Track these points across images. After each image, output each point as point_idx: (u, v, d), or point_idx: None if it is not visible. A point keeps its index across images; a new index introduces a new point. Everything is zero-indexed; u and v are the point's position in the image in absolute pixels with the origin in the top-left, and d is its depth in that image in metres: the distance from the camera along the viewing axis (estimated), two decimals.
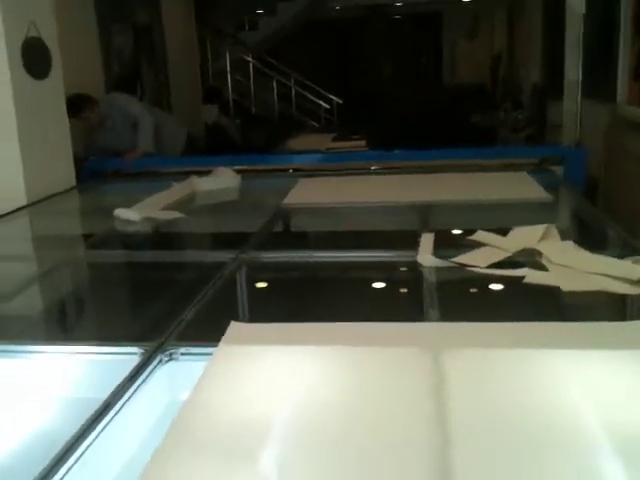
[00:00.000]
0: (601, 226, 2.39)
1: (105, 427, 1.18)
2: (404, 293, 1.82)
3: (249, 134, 6.13)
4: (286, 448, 1.05)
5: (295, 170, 3.90)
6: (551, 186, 3.06)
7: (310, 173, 3.69)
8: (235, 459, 1.03)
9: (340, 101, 7.88)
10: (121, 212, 2.80)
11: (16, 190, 3.21)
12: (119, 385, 1.30)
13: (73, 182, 3.65)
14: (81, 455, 1.10)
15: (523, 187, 3.08)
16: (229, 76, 7.34)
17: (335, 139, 5.53)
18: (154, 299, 1.89)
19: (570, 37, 6.32)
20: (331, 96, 7.86)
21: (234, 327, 1.54)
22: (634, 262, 1.83)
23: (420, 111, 8.05)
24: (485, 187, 3.16)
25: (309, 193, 3.21)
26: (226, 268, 2.02)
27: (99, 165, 4.18)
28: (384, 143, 4.99)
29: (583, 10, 6.22)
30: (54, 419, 1.39)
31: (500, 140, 6.99)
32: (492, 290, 1.81)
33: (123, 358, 1.44)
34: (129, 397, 1.28)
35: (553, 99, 6.79)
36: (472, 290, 1.85)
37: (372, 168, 3.89)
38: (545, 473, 0.97)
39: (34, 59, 3.35)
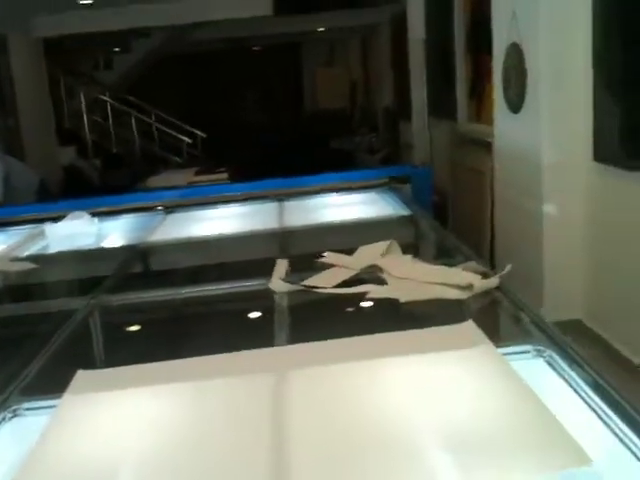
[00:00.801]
0: (440, 238, 2.57)
1: None
2: (256, 320, 1.87)
3: (108, 174, 6.01)
4: None
5: (156, 207, 3.87)
6: (398, 203, 3.27)
7: (172, 210, 3.68)
8: None
9: (204, 135, 7.91)
10: None
11: None
12: None
13: None
14: None
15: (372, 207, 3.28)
16: (85, 116, 7.17)
17: (197, 173, 5.54)
18: None
19: (414, 61, 6.75)
20: (194, 130, 7.87)
21: (80, 375, 1.53)
22: (464, 269, 1.99)
23: (282, 140, 8.24)
24: (339, 210, 3.33)
25: (168, 229, 3.22)
26: (77, 315, 1.99)
27: None
28: (247, 174, 5.07)
29: (423, 35, 6.67)
30: None
31: (359, 163, 7.28)
32: (338, 309, 1.91)
33: None
34: None
35: (404, 121, 7.19)
36: (319, 311, 1.93)
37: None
38: (371, 475, 1.04)
39: None
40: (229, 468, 1.10)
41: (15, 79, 5.90)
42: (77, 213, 3.49)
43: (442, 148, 5.83)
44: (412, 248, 2.41)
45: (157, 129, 7.74)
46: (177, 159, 7.34)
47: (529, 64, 3.80)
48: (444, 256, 2.26)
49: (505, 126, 4.22)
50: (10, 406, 1.43)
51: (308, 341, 1.60)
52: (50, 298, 2.35)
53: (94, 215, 3.52)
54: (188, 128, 7.76)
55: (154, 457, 1.15)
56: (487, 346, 1.44)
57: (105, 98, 7.61)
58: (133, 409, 1.34)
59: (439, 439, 1.12)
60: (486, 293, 1.85)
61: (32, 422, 1.40)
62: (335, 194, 3.73)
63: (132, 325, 2.01)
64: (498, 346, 1.48)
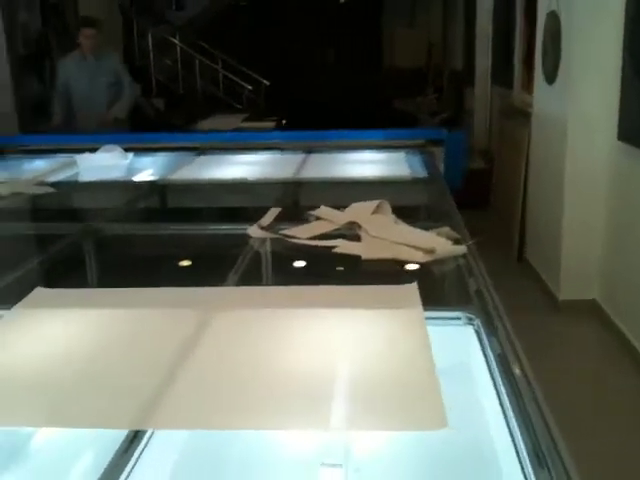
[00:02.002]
0: (438, 202, 2.53)
1: None
2: (220, 261, 1.92)
3: (166, 113, 6.15)
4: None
5: (190, 148, 3.96)
6: (420, 166, 3.23)
7: (202, 152, 3.76)
8: None
9: (267, 83, 7.93)
10: None
11: None
12: None
13: None
14: None
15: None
16: (152, 55, 7.32)
17: (246, 119, 5.61)
18: None
19: (480, 29, 6.55)
20: (258, 77, 7.90)
21: (37, 291, 1.63)
22: (437, 233, 1.97)
23: (346, 94, 8.16)
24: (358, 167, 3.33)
25: (190, 170, 3.30)
26: (68, 239, 2.10)
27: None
28: (294, 124, 5.10)
29: (491, 5, 6.43)
30: None
31: (420, 123, 7.17)
32: (301, 258, 1.94)
33: None
34: None
35: (468, 86, 7.00)
36: (283, 259, 1.97)
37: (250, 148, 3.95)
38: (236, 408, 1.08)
39: None
40: (118, 382, 1.16)
41: (81, 12, 6.05)
42: (110, 146, 3.62)
43: (497, 116, 5.67)
44: (406, 210, 2.39)
45: (221, 74, 7.82)
46: (236, 105, 7.42)
47: (564, 34, 3.65)
48: (431, 220, 2.23)
49: (541, 96, 4.08)
50: None
51: (258, 285, 1.65)
52: (49, 221, 2.47)
53: (129, 150, 3.65)
54: (252, 75, 7.81)
55: (55, 369, 1.23)
56: (415, 309, 1.44)
57: (174, 40, 7.73)
58: (64, 326, 1.43)
59: (320, 383, 1.14)
60: (453, 259, 1.84)
61: None
62: (364, 151, 3.71)
63: (110, 253, 2.10)
64: (432, 310, 1.48)
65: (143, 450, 1.02)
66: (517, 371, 1.20)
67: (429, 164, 3.30)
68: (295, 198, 2.74)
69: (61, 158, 3.57)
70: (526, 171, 4.17)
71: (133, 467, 0.97)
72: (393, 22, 11.62)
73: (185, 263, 1.97)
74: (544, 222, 4.00)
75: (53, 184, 2.99)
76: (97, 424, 1.04)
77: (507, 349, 1.29)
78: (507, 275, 4.17)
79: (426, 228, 2.04)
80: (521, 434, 1.01)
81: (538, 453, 0.95)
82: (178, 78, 7.73)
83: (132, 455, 0.99)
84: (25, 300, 1.58)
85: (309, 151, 3.71)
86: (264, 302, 1.52)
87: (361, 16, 11.61)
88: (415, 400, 1.09)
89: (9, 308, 1.53)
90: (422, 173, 3.08)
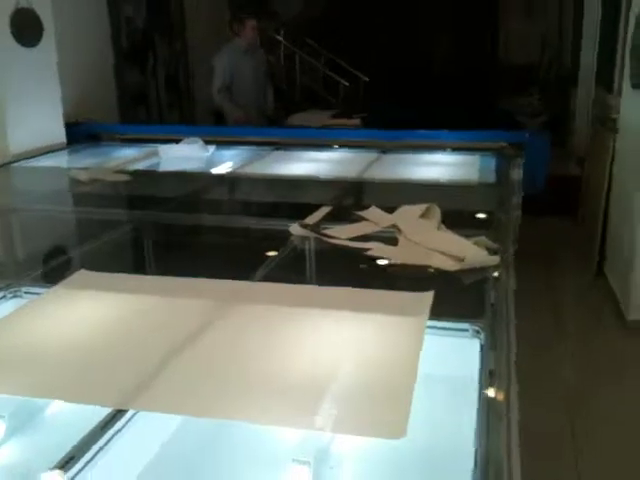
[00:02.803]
0: (491, 210, 2.48)
1: None
2: (255, 255, 1.98)
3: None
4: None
5: (269, 143, 4.06)
6: (490, 170, 3.17)
7: (279, 147, 3.86)
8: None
9: (366, 79, 7.95)
10: (73, 172, 3.07)
11: (1, 147, 3.52)
12: None
13: (63, 142, 3.96)
14: None
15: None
16: None
17: (334, 116, 5.66)
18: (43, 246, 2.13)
19: (587, 28, 6.23)
20: (358, 73, 7.93)
21: (80, 274, 1.76)
22: (474, 242, 1.95)
23: (446, 93, 8.03)
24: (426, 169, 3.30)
25: (262, 165, 3.40)
26: (125, 226, 2.25)
27: (96, 129, 4.46)
28: (382, 123, 5.09)
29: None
30: None
31: (518, 124, 6.93)
32: (333, 258, 1.97)
33: None
34: None
35: (572, 85, 6.69)
36: (316, 257, 2.01)
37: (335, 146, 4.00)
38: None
39: (24, 29, 3.63)
40: (120, 362, 1.25)
41: (186, 5, 6.29)
42: (192, 139, 3.79)
43: (593, 120, 5.40)
44: (456, 215, 2.37)
45: (319, 69, 7.91)
46: (332, 100, 7.49)
47: None
48: (479, 228, 2.19)
49: (627, 102, 3.84)
50: (18, 289, 1.70)
51: (286, 282, 1.70)
52: (112, 208, 2.63)
53: (211, 143, 3.80)
54: (352, 70, 7.85)
55: (78, 345, 1.34)
56: (419, 318, 1.44)
57: (279, 38, 7.89)
58: (91, 308, 1.54)
59: (304, 382, 1.18)
60: (484, 270, 1.81)
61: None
62: (439, 153, 3.67)
63: (159, 241, 2.22)
64: (440, 320, 1.47)
65: (121, 429, 1.10)
66: (498, 390, 1.19)
67: (501, 169, 3.22)
68: (352, 197, 2.76)
69: (146, 148, 3.78)
70: (609, 181, 3.96)
71: (106, 444, 1.06)
72: (507, 15, 11.25)
73: (223, 255, 2.05)
74: (621, 237, 3.79)
75: (132, 172, 3.18)
76: (82, 400, 1.14)
77: (501, 366, 1.27)
78: (581, 289, 4.00)
79: (467, 236, 2.02)
80: (479, 453, 1.00)
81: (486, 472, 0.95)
82: (281, 73, 7.90)
83: (107, 432, 1.07)
84: (66, 281, 1.71)
85: (384, 151, 3.72)
86: (278, 299, 1.57)
87: (471, 10, 11.32)
88: (383, 408, 1.10)
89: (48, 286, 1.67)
90: (490, 178, 3.02)
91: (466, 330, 1.46)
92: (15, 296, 1.68)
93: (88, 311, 1.52)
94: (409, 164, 3.43)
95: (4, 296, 1.67)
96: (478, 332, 1.44)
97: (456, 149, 3.80)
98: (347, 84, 7.52)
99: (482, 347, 1.41)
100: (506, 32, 10.84)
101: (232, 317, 1.48)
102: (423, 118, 5.83)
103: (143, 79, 5.54)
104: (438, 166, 3.39)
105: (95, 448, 1.04)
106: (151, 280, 1.74)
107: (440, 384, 1.37)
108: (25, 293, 1.69)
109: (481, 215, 2.42)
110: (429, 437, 1.18)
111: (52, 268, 1.88)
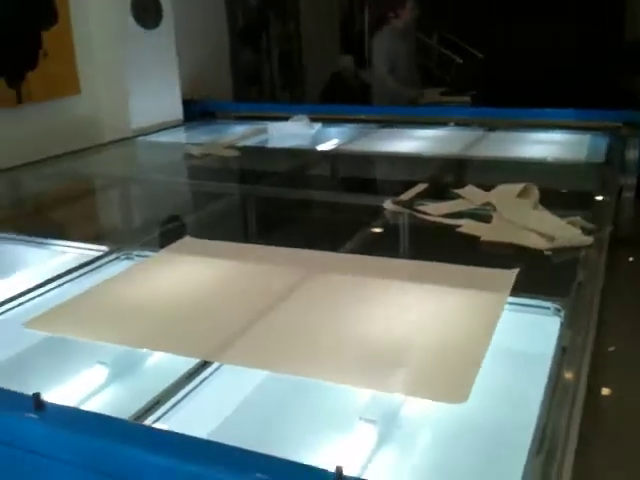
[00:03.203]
0: (594, 191, 2.40)
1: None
2: (348, 229, 2.05)
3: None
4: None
5: (376, 120, 4.09)
6: (601, 151, 3.05)
7: (386, 124, 3.89)
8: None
9: (480, 55, 7.76)
10: (187, 147, 3.27)
11: (123, 123, 3.79)
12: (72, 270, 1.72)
13: (180, 118, 4.20)
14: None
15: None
16: (367, 26, 7.53)
17: (444, 94, 5.59)
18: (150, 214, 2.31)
19: None
20: (472, 50, 7.76)
21: (185, 240, 1.91)
22: (568, 222, 1.91)
23: (566, 71, 7.68)
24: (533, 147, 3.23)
25: (367, 142, 3.45)
26: (231, 198, 2.39)
27: (211, 107, 4.67)
28: (493, 100, 4.98)
29: None
30: None
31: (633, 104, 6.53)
32: (424, 234, 2.00)
33: (91, 254, 1.86)
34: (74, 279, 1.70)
35: None
36: (407, 232, 2.05)
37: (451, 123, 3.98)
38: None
39: (144, 12, 3.87)
40: (216, 317, 1.37)
41: None
42: (300, 116, 3.90)
43: None
44: (556, 195, 2.33)
45: (433, 46, 7.80)
46: (446, 77, 7.37)
47: None
48: (577, 209, 2.14)
49: None
50: (130, 252, 1.87)
51: (374, 254, 1.77)
52: (221, 181, 2.78)
53: (318, 120, 3.90)
54: (466, 47, 7.69)
55: (176, 302, 1.47)
56: (500, 295, 1.46)
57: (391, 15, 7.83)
58: (192, 270, 1.68)
59: (378, 347, 1.24)
60: (576, 250, 1.78)
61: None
62: (547, 131, 3.57)
63: (258, 213, 2.34)
64: (523, 297, 1.48)
65: (206, 378, 1.21)
66: (568, 368, 1.19)
67: (613, 149, 3.10)
68: (451, 175, 2.77)
69: (257, 125, 3.93)
70: None
71: (190, 392, 1.17)
72: None
73: (318, 228, 2.14)
74: None
75: (241, 148, 3.33)
76: (174, 351, 1.26)
77: (576, 345, 1.27)
78: None
79: (564, 216, 1.99)
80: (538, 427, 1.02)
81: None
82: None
83: (193, 381, 1.19)
84: (172, 245, 1.87)
85: (491, 129, 3.66)
86: (364, 270, 1.63)
87: None
88: (450, 374, 1.14)
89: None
90: (599, 158, 2.91)
91: (547, 308, 1.46)
92: (127, 258, 1.85)
93: (188, 273, 1.66)
94: (515, 142, 3.36)
95: (117, 257, 1.84)
96: (559, 310, 1.44)
97: (568, 128, 3.68)
98: (460, 61, 7.38)
99: (561, 325, 1.41)
100: (634, 7, 10.18)
101: (319, 284, 1.56)
102: (536, 96, 5.65)
103: (257, 58, 5.71)
104: (545, 144, 3.30)
105: (180, 395, 1.15)
106: (249, 248, 1.85)
107: (515, 359, 1.39)
108: (136, 256, 1.85)
109: (582, 195, 2.36)
110: (495, 408, 1.21)
111: (161, 234, 2.04)
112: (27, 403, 0.96)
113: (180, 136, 3.91)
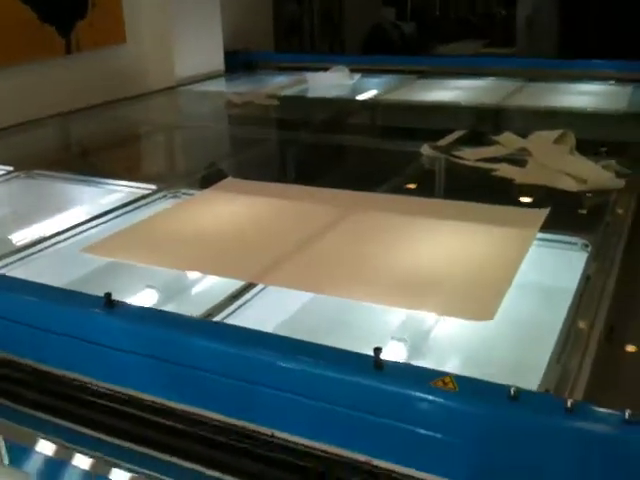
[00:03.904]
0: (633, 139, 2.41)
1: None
2: (388, 170, 2.12)
3: (415, 37, 6.29)
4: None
5: (416, 71, 4.09)
6: None
7: (424, 75, 3.89)
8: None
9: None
10: (229, 95, 3.35)
11: (168, 72, 3.87)
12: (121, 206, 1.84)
13: (222, 69, 4.26)
14: None
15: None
16: None
17: (486, 46, 5.53)
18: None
19: None
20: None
21: (228, 181, 2.01)
22: (603, 166, 1.95)
23: (613, 21, 7.46)
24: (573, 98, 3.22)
25: (405, 92, 3.48)
26: (272, 144, 2.48)
27: (252, 58, 4.72)
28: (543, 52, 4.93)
29: None
30: None
31: None
32: (460, 177, 2.06)
33: (140, 192, 1.97)
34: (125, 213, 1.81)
35: None
36: (443, 175, 2.11)
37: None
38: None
39: None
40: (260, 246, 1.48)
41: None
42: (339, 67, 3.92)
43: None
44: (594, 143, 2.34)
45: None
46: (488, 29, 7.25)
47: None
48: (613, 155, 2.16)
49: None
50: (178, 189, 1.97)
51: (411, 196, 1.84)
52: (262, 127, 2.87)
53: (358, 71, 3.93)
54: None
55: (221, 233, 1.57)
56: (530, 231, 1.52)
57: None
58: (237, 206, 1.77)
59: (411, 273, 1.33)
60: (608, 192, 1.82)
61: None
62: (589, 82, 3.53)
63: (297, 157, 2.42)
64: (551, 233, 1.54)
65: (250, 300, 1.31)
66: (590, 295, 1.25)
67: None
68: (489, 124, 2.79)
69: (297, 76, 3.97)
70: None
71: (236, 310, 1.28)
72: None
73: (357, 171, 2.22)
74: None
75: (281, 97, 3.40)
76: (221, 274, 1.36)
77: (600, 275, 1.33)
78: None
79: (596, 161, 2.02)
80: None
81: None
82: (434, 2, 7.77)
83: (237, 301, 1.29)
84: (217, 185, 1.96)
85: (532, 79, 3.64)
86: (400, 209, 1.71)
87: None
88: (478, 295, 1.22)
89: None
90: (639, 109, 2.90)
91: (575, 244, 1.52)
92: (174, 197, 1.95)
93: (233, 208, 1.76)
94: (556, 93, 3.35)
95: (165, 196, 1.95)
96: (587, 246, 1.50)
97: (611, 79, 3.64)
98: (504, 13, 7.24)
99: (588, 260, 1.46)
100: None
101: (360, 220, 1.64)
102: (582, 47, 5.54)
103: (298, 9, 5.71)
104: (587, 95, 3.28)
105: (224, 314, 1.25)
106: (290, 188, 1.94)
107: (542, 291, 1.46)
108: (183, 194, 1.95)
109: (619, 143, 2.37)
110: (518, 330, 1.29)
111: (205, 176, 2.13)
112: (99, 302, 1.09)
113: (222, 86, 3.98)
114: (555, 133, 2.29)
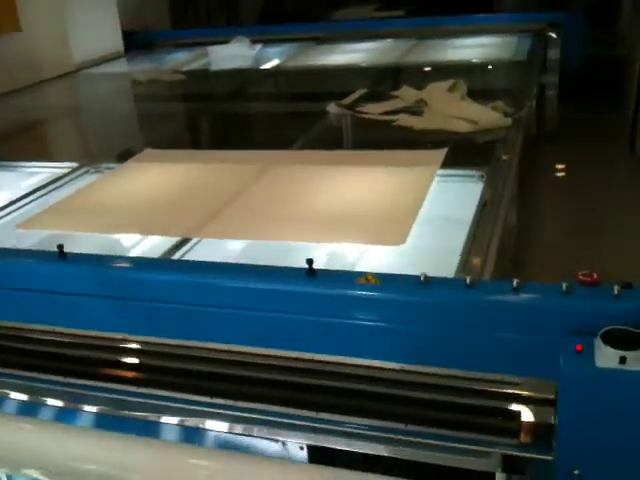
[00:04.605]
0: (515, 83, 2.64)
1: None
2: (293, 130, 2.25)
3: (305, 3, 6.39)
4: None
5: (313, 38, 4.21)
6: (523, 50, 3.28)
7: (323, 41, 4.03)
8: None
9: None
10: (133, 74, 3.37)
11: (66, 58, 3.82)
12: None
13: (121, 50, 4.24)
14: None
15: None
16: None
17: (378, 9, 5.70)
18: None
19: None
20: None
21: (147, 152, 2.08)
22: (492, 107, 2.16)
23: None
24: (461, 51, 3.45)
25: (304, 58, 3.61)
26: (183, 117, 2.55)
27: (151, 37, 4.70)
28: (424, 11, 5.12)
29: None
30: None
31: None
32: (363, 130, 2.22)
33: (61, 172, 2.02)
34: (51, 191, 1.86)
35: None
36: (348, 129, 2.27)
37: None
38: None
39: None
40: (189, 205, 1.58)
41: None
42: (240, 38, 4.00)
43: None
44: (483, 89, 2.56)
45: None
46: None
47: None
48: (498, 98, 2.36)
49: None
50: (99, 164, 2.03)
51: (317, 149, 1.99)
52: (170, 102, 2.94)
53: (258, 42, 4.01)
54: None
55: (148, 198, 1.66)
56: (431, 167, 1.69)
57: None
58: (158, 173, 1.86)
59: (326, 210, 1.47)
60: (497, 131, 2.02)
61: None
62: (476, 36, 3.77)
63: (212, 125, 2.52)
64: (451, 169, 1.73)
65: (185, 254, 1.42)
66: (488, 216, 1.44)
67: (535, 49, 3.33)
68: (388, 82, 2.96)
69: (197, 50, 4.02)
70: None
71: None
72: None
73: (267, 133, 2.34)
74: None
75: (185, 72, 3.45)
76: (155, 232, 1.46)
77: (493, 200, 1.52)
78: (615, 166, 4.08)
79: (485, 104, 2.22)
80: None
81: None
82: None
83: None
84: (137, 156, 2.04)
85: (421, 37, 3.84)
86: (310, 161, 1.85)
87: None
88: (390, 224, 1.38)
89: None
90: (521, 57, 3.14)
91: (472, 176, 1.71)
92: (97, 171, 2.01)
93: (157, 174, 1.85)
94: (447, 48, 3.56)
95: (87, 171, 2.01)
96: (482, 177, 1.69)
97: (496, 32, 3.89)
98: None
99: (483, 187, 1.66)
100: None
101: (276, 173, 1.77)
102: (468, 3, 5.79)
103: None
104: (474, 48, 3.51)
105: None
106: (208, 153, 2.04)
107: (446, 221, 1.64)
108: (105, 169, 2.02)
109: (505, 89, 2.59)
110: (428, 251, 1.46)
111: (123, 151, 2.19)
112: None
113: (123, 66, 3.97)
114: (448, 83, 2.48)
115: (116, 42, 4.22)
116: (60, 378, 1.17)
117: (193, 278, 1.07)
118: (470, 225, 1.42)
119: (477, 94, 2.37)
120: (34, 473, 1.16)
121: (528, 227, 1.70)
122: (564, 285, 0.91)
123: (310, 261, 1.04)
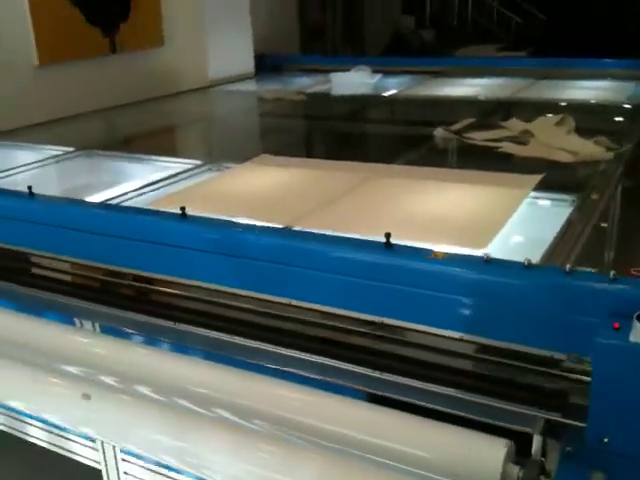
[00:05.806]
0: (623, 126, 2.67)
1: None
2: (405, 149, 2.40)
3: (434, 43, 6.58)
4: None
5: (434, 72, 4.36)
6: None
7: (439, 74, 4.18)
8: None
9: (543, 17, 7.82)
10: (262, 92, 3.67)
11: (202, 74, 4.19)
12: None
13: (252, 71, 4.58)
14: None
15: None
16: None
17: (499, 50, 5.79)
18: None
19: None
20: (535, 12, 7.83)
21: (263, 156, 2.30)
22: (594, 142, 2.21)
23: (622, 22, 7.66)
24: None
25: (422, 89, 3.77)
26: (301, 132, 2.77)
27: (280, 60, 5.03)
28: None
29: None
30: None
31: None
32: (467, 154, 2.33)
33: (187, 167, 2.27)
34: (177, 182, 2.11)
35: None
36: (453, 152, 2.39)
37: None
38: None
39: None
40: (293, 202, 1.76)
41: None
42: (361, 67, 4.22)
43: None
44: (590, 128, 2.60)
45: (492, 4, 7.90)
46: (505, 36, 7.49)
47: None
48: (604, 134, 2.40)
49: None
50: (220, 163, 2.26)
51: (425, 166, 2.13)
52: (292, 119, 3.18)
53: (378, 72, 4.22)
54: (527, 9, 7.76)
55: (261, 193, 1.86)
56: (524, 189, 1.79)
57: None
58: (277, 174, 2.06)
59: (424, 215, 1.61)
60: (598, 163, 2.08)
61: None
62: (594, 80, 3.79)
63: (328, 142, 2.72)
64: (544, 192, 1.81)
65: None
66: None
67: None
68: (499, 114, 3.05)
69: (321, 76, 4.28)
70: None
71: None
72: None
73: (377, 150, 2.51)
74: None
75: (308, 94, 3.70)
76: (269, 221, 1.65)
77: (578, 223, 1.59)
78: None
79: (589, 139, 2.28)
80: None
81: None
82: (452, 10, 8.05)
83: None
84: (253, 159, 2.26)
85: (541, 77, 3.91)
86: (412, 175, 1.99)
87: None
88: (476, 231, 1.50)
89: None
90: (636, 102, 3.15)
91: (565, 201, 1.78)
92: (218, 170, 2.25)
93: (269, 175, 2.05)
94: (564, 88, 3.61)
95: (210, 169, 2.25)
96: (574, 202, 1.76)
97: (616, 77, 3.89)
98: (519, 21, 7.49)
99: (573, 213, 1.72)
100: None
101: (377, 182, 1.92)
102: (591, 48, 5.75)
103: (322, 15, 6.03)
104: (590, 90, 3.53)
105: None
106: (317, 161, 2.23)
107: (528, 237, 1.71)
108: (225, 168, 2.24)
109: (614, 128, 2.63)
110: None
111: (243, 154, 2.42)
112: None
113: (252, 86, 4.29)
114: (556, 118, 2.56)
115: (248, 63, 4.57)
116: (170, 323, 1.39)
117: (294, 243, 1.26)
118: (550, 243, 1.50)
119: (584, 131, 2.43)
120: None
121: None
122: (612, 273, 1.01)
123: (388, 235, 1.18)
